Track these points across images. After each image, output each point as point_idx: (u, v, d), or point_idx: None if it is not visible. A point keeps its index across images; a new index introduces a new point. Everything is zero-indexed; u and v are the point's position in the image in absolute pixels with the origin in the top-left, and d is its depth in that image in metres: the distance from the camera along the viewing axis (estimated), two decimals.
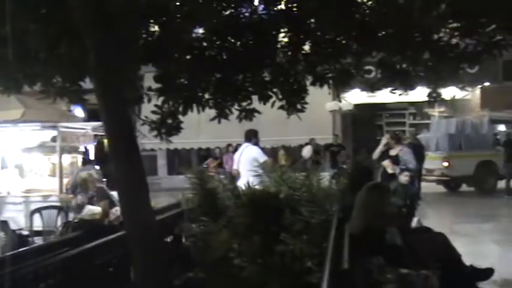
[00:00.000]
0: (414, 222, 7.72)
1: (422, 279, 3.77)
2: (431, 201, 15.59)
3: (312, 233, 5.43)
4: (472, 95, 21.05)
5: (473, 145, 17.52)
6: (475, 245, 9.08)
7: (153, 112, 5.00)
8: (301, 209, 5.62)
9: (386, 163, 8.97)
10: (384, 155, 9.19)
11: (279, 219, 5.50)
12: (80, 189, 7.50)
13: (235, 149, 9.53)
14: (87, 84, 4.81)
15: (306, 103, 5.45)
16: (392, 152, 9.15)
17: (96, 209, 7.03)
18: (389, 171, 8.90)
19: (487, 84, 21.68)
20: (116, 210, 7.11)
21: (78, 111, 17.17)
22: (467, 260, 5.40)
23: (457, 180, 18.00)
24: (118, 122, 3.83)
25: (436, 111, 23.65)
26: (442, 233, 5.58)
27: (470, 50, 4.84)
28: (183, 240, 5.95)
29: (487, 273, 5.58)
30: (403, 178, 8.49)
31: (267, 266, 5.00)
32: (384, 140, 9.37)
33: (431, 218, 9.38)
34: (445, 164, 17.17)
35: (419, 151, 14.59)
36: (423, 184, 18.60)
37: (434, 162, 17.70)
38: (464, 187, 18.11)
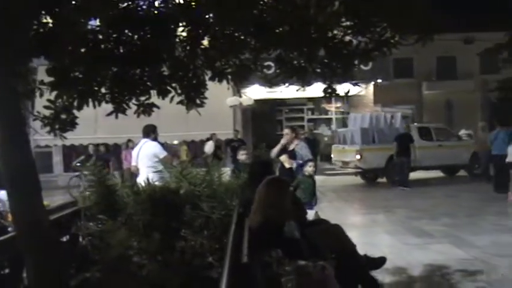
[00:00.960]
0: (312, 215, 7.94)
1: (319, 269, 3.86)
2: (340, 193, 16.17)
3: (212, 228, 5.44)
4: (366, 91, 21.94)
5: (386, 139, 18.29)
6: (369, 235, 9.47)
7: (46, 107, 4.79)
8: (202, 205, 5.62)
9: (283, 158, 9.13)
10: (282, 149, 9.36)
11: (179, 215, 5.47)
12: None
13: None
14: None
15: (206, 98, 5.43)
16: (289, 147, 9.33)
17: None
18: (287, 165, 9.07)
19: (379, 81, 22.68)
20: None
21: None
22: (361, 250, 5.63)
23: (370, 172, 18.82)
24: (6, 117, 3.63)
25: (332, 107, 24.48)
26: (338, 225, 5.77)
27: (362, 47, 5.03)
28: (80, 239, 5.76)
29: (380, 261, 5.85)
30: (309, 169, 8.70)
31: (167, 262, 4.95)
32: (285, 140, 9.51)
33: (329, 210, 9.66)
34: (358, 156, 17.92)
35: (314, 145, 15.11)
36: (340, 177, 19.35)
37: (349, 155, 18.47)
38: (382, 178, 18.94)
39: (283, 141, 9.42)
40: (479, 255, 7.73)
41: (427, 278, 6.74)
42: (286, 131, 9.62)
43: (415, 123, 20.53)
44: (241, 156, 9.17)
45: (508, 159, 13.89)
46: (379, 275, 6.03)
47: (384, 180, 18.68)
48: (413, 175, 18.00)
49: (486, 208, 12.56)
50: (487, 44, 28.65)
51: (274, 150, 9.43)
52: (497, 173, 15.54)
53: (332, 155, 20.52)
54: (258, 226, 4.28)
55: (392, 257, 7.27)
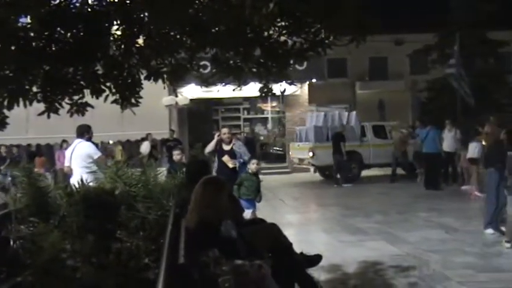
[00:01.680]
0: (249, 215, 7.99)
1: (256, 268, 3.89)
2: (277, 192, 16.29)
3: (148, 229, 5.38)
4: (301, 90, 22.18)
5: None
6: (305, 233, 9.60)
7: None
8: (138, 205, 5.55)
9: (226, 158, 9.13)
10: (220, 150, 9.35)
11: (114, 217, 5.38)
12: None
13: None
14: None
15: (141, 97, 5.37)
16: (227, 147, 9.34)
17: None
18: (230, 165, 9.06)
19: (314, 80, 22.98)
20: None
21: None
22: (297, 248, 5.70)
23: (323, 169, 19.14)
24: None
25: (268, 106, 24.65)
26: (275, 224, 5.82)
27: (297, 47, 5.10)
28: (11, 243, 5.57)
29: (316, 259, 5.93)
30: (253, 166, 8.74)
31: (102, 265, 4.87)
32: (216, 135, 9.55)
33: (266, 209, 9.73)
34: (310, 154, 18.26)
35: (251, 144, 15.32)
36: (278, 176, 19.53)
37: (303, 152, 18.85)
38: None
39: (216, 139, 9.43)
40: (411, 251, 7.98)
41: (362, 274, 6.90)
42: (224, 130, 9.61)
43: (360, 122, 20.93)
44: (177, 156, 9.10)
45: (468, 155, 14.35)
46: (315, 272, 6.12)
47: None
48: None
49: (417, 205, 12.98)
50: (416, 46, 29.69)
51: (209, 147, 9.41)
52: (427, 170, 16.07)
53: (290, 152, 20.95)
54: (195, 226, 4.26)
55: (328, 255, 7.39)
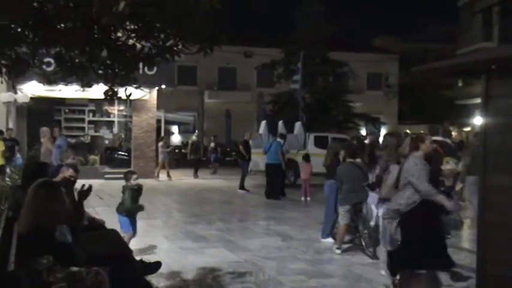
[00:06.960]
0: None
1: (92, 275, 3.76)
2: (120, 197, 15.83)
3: None
4: (150, 95, 21.90)
5: None
6: (146, 240, 9.46)
7: None
8: None
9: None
10: None
11: None
12: None
13: None
14: None
15: None
16: None
17: None
18: None
19: (163, 86, 22.82)
20: None
21: None
22: (138, 255, 5.63)
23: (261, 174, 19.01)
24: None
25: (115, 110, 24.05)
26: (115, 230, 5.71)
27: (145, 52, 5.04)
28: None
29: (156, 266, 5.92)
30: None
31: None
32: None
33: (106, 215, 9.45)
34: None
35: None
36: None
37: None
38: None
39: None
40: (249, 258, 8.20)
41: (200, 281, 6.96)
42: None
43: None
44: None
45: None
46: (154, 279, 6.09)
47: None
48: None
49: (258, 213, 13.41)
50: (264, 59, 30.79)
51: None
52: (268, 181, 16.60)
53: None
54: (28, 231, 4.02)
55: (169, 262, 7.41)
